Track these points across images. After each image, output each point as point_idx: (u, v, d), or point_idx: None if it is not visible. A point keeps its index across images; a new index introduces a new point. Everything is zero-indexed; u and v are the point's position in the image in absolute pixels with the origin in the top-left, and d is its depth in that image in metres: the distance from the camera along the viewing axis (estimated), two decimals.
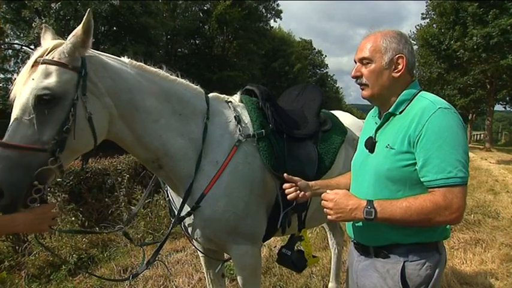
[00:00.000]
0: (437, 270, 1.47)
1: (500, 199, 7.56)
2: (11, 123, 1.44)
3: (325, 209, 1.52)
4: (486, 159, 16.31)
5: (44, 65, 1.48)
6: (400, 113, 1.49)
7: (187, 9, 30.94)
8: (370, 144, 1.56)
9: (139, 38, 22.79)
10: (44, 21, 17.97)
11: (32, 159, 1.41)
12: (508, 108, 30.56)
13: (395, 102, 1.50)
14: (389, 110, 1.52)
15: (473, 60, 18.80)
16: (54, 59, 1.50)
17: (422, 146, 1.36)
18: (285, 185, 1.76)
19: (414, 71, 1.56)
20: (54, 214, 1.54)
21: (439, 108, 1.38)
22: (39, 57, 1.50)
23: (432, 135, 1.35)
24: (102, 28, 21.59)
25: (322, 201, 1.54)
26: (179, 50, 32.72)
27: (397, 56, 1.47)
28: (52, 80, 1.46)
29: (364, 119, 3.12)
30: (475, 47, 16.63)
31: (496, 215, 6.24)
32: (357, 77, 1.55)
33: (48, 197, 1.58)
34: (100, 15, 19.38)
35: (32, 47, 21.57)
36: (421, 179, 1.39)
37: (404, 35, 1.55)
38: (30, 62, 1.50)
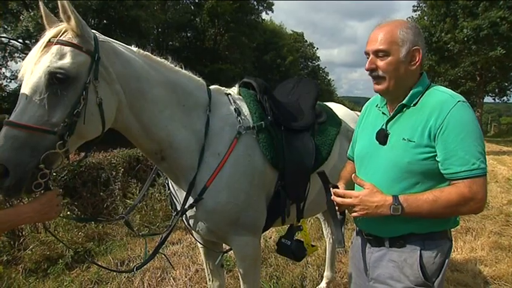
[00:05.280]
0: (448, 256, 1.51)
1: (489, 189, 7.65)
2: (18, 102, 1.39)
3: (348, 206, 1.44)
4: None
5: (58, 45, 1.45)
6: (414, 105, 1.47)
7: (179, 2, 30.52)
8: (383, 136, 1.52)
9: (130, 31, 22.41)
10: (32, 14, 17.58)
11: (39, 140, 1.37)
12: (497, 100, 30.87)
13: (409, 94, 1.47)
14: (403, 102, 1.48)
15: (463, 53, 19.00)
16: (69, 41, 1.47)
17: (445, 138, 1.36)
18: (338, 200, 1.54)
19: None
20: (59, 200, 1.49)
21: (458, 101, 1.38)
22: (53, 37, 1.46)
23: (455, 128, 1.35)
24: (92, 21, 21.19)
25: (344, 199, 1.46)
26: (170, 43, 32.30)
27: (413, 48, 1.43)
28: (66, 61, 1.44)
29: (355, 110, 3.16)
30: (465, 39, 16.79)
31: (485, 205, 6.37)
32: (372, 70, 1.48)
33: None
34: (90, 8, 19.03)
35: (20, 40, 21.18)
36: (443, 171, 1.38)
37: (417, 26, 1.50)
38: (43, 42, 1.46)
